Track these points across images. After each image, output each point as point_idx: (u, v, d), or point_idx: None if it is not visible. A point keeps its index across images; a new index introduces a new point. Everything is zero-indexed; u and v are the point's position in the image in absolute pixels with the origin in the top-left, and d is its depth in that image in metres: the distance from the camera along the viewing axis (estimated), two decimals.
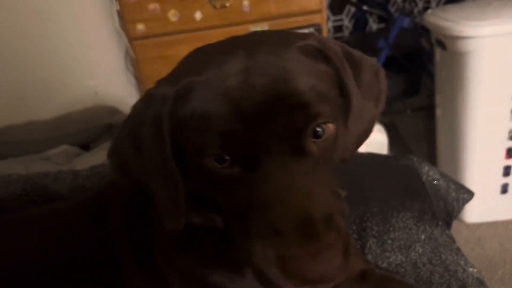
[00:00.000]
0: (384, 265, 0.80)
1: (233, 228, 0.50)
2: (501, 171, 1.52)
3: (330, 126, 0.48)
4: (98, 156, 1.71)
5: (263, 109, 0.45)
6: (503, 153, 1.49)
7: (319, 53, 0.51)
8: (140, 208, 0.63)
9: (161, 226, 0.56)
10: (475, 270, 0.81)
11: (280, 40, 0.52)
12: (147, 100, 0.53)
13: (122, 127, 0.57)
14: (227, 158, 0.46)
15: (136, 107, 0.55)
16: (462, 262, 0.81)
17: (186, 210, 0.52)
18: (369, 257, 0.81)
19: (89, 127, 1.93)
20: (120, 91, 2.05)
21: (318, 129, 0.47)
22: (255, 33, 0.56)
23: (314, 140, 0.47)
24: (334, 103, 0.50)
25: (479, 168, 1.52)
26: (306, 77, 0.48)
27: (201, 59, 0.52)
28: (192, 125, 0.47)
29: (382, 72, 0.59)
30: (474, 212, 1.58)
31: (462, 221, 1.61)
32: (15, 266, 0.65)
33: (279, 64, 0.48)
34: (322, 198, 0.45)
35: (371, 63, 0.58)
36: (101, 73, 2.02)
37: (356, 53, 0.57)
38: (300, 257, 0.40)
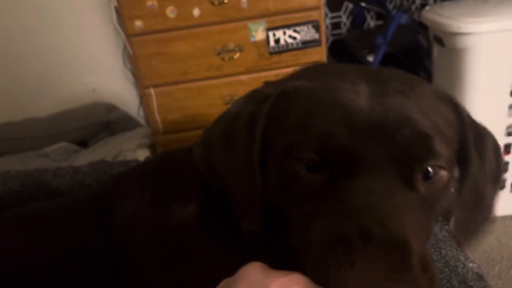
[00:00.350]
0: None
1: (294, 240, 0.47)
2: None
3: (443, 174, 0.44)
4: (96, 153, 1.71)
5: (378, 124, 0.42)
6: (501, 149, 1.50)
7: (450, 103, 0.50)
8: (152, 202, 0.61)
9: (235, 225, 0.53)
10: (475, 265, 0.81)
11: (410, 76, 0.51)
12: (249, 97, 0.52)
13: (217, 119, 0.56)
14: (316, 163, 0.43)
15: (235, 103, 0.54)
16: (462, 258, 0.82)
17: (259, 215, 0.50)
18: None
19: (87, 124, 1.93)
20: (118, 88, 2.05)
21: (431, 169, 0.44)
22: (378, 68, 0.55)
23: (423, 181, 0.44)
24: (454, 154, 0.47)
25: None
26: (434, 114, 0.45)
27: (318, 70, 0.51)
28: (290, 124, 0.45)
29: (500, 148, 0.56)
30: None
31: None
32: (16, 265, 0.63)
33: (407, 91, 0.45)
34: (421, 238, 0.40)
35: (494, 138, 0.55)
36: (99, 70, 2.02)
37: (481, 123, 0.54)
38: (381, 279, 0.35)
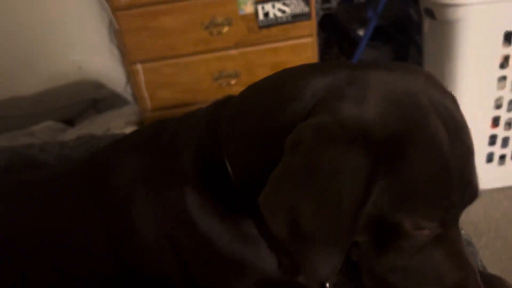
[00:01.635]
0: None
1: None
2: (487, 140, 1.54)
3: None
4: (83, 131, 1.69)
5: (467, 181, 0.46)
6: (489, 122, 1.51)
7: None
8: (151, 173, 0.59)
9: None
10: (463, 231, 0.82)
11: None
12: (337, 144, 0.41)
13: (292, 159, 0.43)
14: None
15: (316, 148, 0.42)
16: None
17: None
18: None
19: (73, 102, 1.90)
20: (104, 64, 2.01)
21: None
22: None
23: None
24: None
25: None
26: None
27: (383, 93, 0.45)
28: (413, 190, 0.42)
29: None
30: None
31: None
32: (6, 236, 0.62)
33: (468, 133, 0.49)
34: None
35: None
36: (84, 46, 1.98)
37: None
38: None
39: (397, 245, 0.44)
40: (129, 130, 1.71)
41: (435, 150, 0.42)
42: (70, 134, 1.70)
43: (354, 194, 0.40)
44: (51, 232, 0.61)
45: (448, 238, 0.46)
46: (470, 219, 1.51)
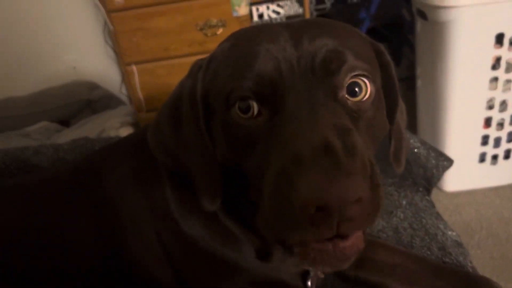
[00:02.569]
0: (367, 230, 0.82)
1: (253, 194, 0.49)
2: (479, 140, 1.56)
3: (370, 88, 0.48)
4: (79, 132, 1.69)
5: (299, 54, 0.46)
6: (481, 122, 1.52)
7: (367, 39, 0.55)
8: (147, 176, 0.62)
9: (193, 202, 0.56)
10: (454, 233, 0.84)
11: (334, 20, 0.55)
12: (188, 73, 0.55)
13: (164, 103, 0.58)
14: (253, 105, 0.46)
15: (179, 83, 0.57)
16: (441, 226, 0.84)
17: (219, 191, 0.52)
18: None
19: (68, 102, 1.90)
20: (99, 65, 2.01)
21: (356, 88, 0.47)
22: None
23: (350, 98, 0.48)
24: (377, 73, 0.51)
25: (458, 138, 1.55)
26: (348, 38, 0.50)
27: (241, 31, 0.54)
28: (224, 78, 0.49)
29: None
30: (452, 181, 1.62)
31: (441, 190, 1.65)
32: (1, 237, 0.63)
33: (325, 27, 0.50)
34: (347, 133, 0.42)
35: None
36: (79, 47, 1.98)
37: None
38: (316, 181, 0.37)
39: (242, 143, 0.48)
40: (123, 130, 1.72)
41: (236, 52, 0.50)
42: (65, 135, 1.70)
43: (193, 106, 0.52)
44: (44, 234, 0.63)
45: (279, 121, 0.45)
46: (462, 219, 1.53)
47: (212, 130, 0.52)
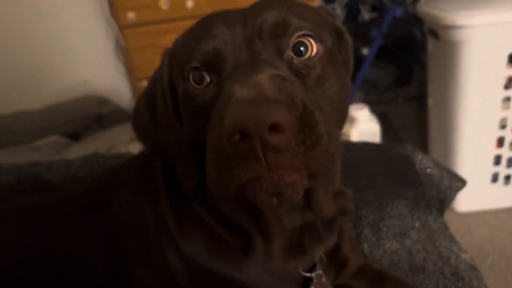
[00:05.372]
0: (380, 252, 0.80)
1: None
2: (492, 160, 1.54)
3: (317, 46, 0.50)
4: (88, 147, 1.69)
5: (243, 27, 0.49)
6: (494, 142, 1.51)
7: (321, 8, 0.58)
8: (145, 197, 0.62)
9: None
10: (468, 256, 0.82)
11: None
12: (160, 63, 0.59)
13: (142, 92, 0.63)
14: (205, 75, 0.49)
15: (154, 71, 0.61)
16: (455, 249, 0.82)
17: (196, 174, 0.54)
18: (365, 245, 0.82)
19: (78, 117, 1.91)
20: (110, 80, 2.03)
21: (301, 48, 0.49)
22: None
23: (296, 57, 0.49)
24: (327, 35, 0.52)
25: (470, 157, 1.53)
26: (296, 8, 0.51)
27: (205, 16, 0.56)
28: (179, 58, 0.53)
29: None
30: (464, 201, 1.60)
31: (453, 210, 1.63)
32: (11, 259, 0.63)
33: (273, 3, 0.52)
34: (283, 80, 0.43)
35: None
36: (91, 62, 2.00)
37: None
38: (237, 108, 0.38)
39: (199, 114, 0.50)
40: (133, 145, 1.72)
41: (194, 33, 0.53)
42: (75, 149, 1.71)
43: (162, 89, 0.55)
44: (52, 257, 0.62)
45: (226, 84, 0.46)
46: (475, 240, 1.50)
47: (180, 112, 0.55)
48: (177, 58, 0.54)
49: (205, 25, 0.51)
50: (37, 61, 1.95)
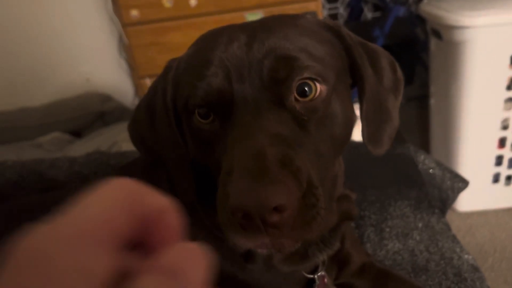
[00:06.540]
0: (382, 252, 0.81)
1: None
2: (493, 160, 1.54)
3: (320, 88, 0.48)
4: (91, 144, 1.70)
5: (248, 63, 0.47)
6: (495, 142, 1.51)
7: (328, 28, 0.54)
8: None
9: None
10: (470, 257, 0.82)
11: (287, 15, 0.55)
12: (162, 72, 0.58)
13: (142, 99, 0.62)
14: (210, 112, 0.49)
15: (154, 80, 0.60)
16: (457, 249, 0.82)
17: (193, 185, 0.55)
18: (368, 245, 0.82)
19: (81, 114, 1.91)
20: (112, 78, 2.03)
21: (305, 88, 0.47)
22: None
23: (299, 98, 0.48)
24: (331, 70, 0.50)
25: (471, 158, 1.54)
26: (299, 37, 0.49)
27: (204, 35, 0.57)
28: (182, 85, 0.52)
29: (396, 63, 0.60)
30: (466, 201, 1.60)
31: (454, 210, 1.63)
32: None
33: (276, 28, 0.50)
34: (287, 144, 0.43)
35: (386, 53, 0.59)
36: (94, 59, 2.00)
37: (371, 43, 0.58)
38: (239, 188, 0.39)
39: (204, 143, 0.50)
40: None
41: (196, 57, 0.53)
42: (77, 146, 1.71)
43: (165, 106, 0.54)
44: None
45: (227, 127, 0.47)
46: (476, 240, 1.51)
47: (183, 129, 0.55)
48: (181, 87, 0.53)
49: (208, 55, 0.50)
50: (40, 58, 1.95)
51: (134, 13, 1.58)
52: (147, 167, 0.67)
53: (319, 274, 0.63)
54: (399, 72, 0.60)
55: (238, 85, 0.47)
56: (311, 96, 0.48)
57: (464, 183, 1.03)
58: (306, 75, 0.47)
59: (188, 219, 0.57)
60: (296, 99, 0.47)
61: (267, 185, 0.38)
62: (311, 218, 0.41)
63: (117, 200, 0.24)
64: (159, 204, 0.27)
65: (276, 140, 0.43)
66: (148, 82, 1.69)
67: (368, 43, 0.58)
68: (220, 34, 0.52)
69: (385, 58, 0.58)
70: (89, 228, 0.21)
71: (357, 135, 0.60)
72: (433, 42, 1.59)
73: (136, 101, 2.03)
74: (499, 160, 1.54)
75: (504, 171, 1.56)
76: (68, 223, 0.21)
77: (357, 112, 0.57)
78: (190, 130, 0.52)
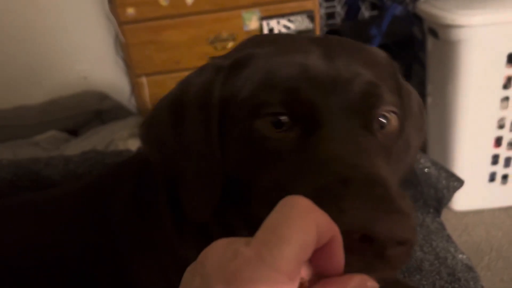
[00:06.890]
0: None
1: (256, 208, 0.46)
2: (489, 159, 1.55)
3: (394, 119, 0.47)
4: (87, 142, 1.70)
5: (334, 78, 0.45)
6: (492, 142, 1.51)
7: (392, 64, 0.54)
8: (145, 197, 0.61)
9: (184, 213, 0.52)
10: (464, 256, 0.82)
11: (351, 40, 0.54)
12: (197, 71, 0.51)
13: (164, 97, 0.54)
14: (286, 121, 0.44)
15: (184, 79, 0.53)
16: (452, 249, 0.83)
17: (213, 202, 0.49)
18: None
19: (78, 112, 1.91)
20: (109, 76, 2.03)
21: (383, 119, 0.46)
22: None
23: (380, 129, 0.46)
24: (398, 104, 0.49)
25: (468, 157, 1.54)
26: (377, 68, 0.48)
27: (266, 39, 0.53)
28: (253, 87, 0.46)
29: (422, 104, 0.61)
30: (462, 200, 1.61)
31: (450, 209, 1.64)
32: (7, 257, 0.62)
33: (352, 51, 0.49)
34: (392, 178, 0.40)
35: (417, 94, 0.59)
36: (90, 58, 2.00)
37: (405, 82, 0.57)
38: (368, 209, 0.33)
39: (264, 156, 0.45)
40: (132, 141, 1.72)
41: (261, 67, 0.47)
42: (74, 144, 1.71)
43: (205, 108, 0.48)
44: (50, 253, 0.62)
45: (312, 142, 0.42)
46: (472, 239, 1.51)
47: (225, 137, 0.48)
48: (248, 88, 0.46)
49: (287, 59, 0.46)
50: (36, 56, 1.94)
51: (131, 11, 1.58)
52: (142, 167, 0.64)
53: None
54: (425, 114, 0.61)
55: (326, 99, 0.44)
56: (388, 129, 0.47)
57: (459, 183, 1.03)
58: (391, 108, 0.46)
59: (186, 223, 0.55)
60: (377, 131, 0.46)
61: (399, 215, 0.34)
62: (408, 257, 0.36)
63: (310, 234, 0.26)
64: (333, 232, 0.28)
65: (382, 167, 0.40)
66: (145, 80, 1.68)
67: (403, 82, 0.57)
68: (291, 40, 0.50)
69: (415, 97, 0.59)
70: (287, 270, 0.25)
71: None
72: (429, 41, 1.59)
73: (133, 100, 2.03)
74: (495, 159, 1.55)
75: (500, 170, 1.56)
76: (268, 256, 0.25)
77: None
78: (246, 138, 0.46)
